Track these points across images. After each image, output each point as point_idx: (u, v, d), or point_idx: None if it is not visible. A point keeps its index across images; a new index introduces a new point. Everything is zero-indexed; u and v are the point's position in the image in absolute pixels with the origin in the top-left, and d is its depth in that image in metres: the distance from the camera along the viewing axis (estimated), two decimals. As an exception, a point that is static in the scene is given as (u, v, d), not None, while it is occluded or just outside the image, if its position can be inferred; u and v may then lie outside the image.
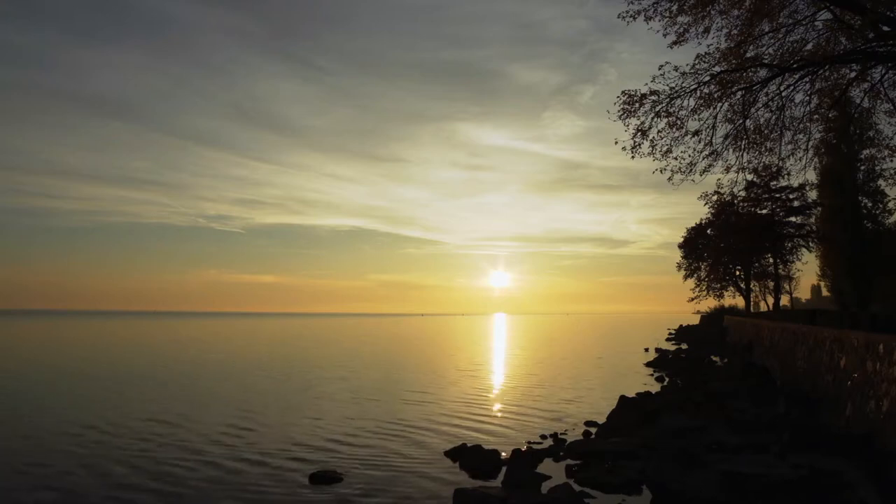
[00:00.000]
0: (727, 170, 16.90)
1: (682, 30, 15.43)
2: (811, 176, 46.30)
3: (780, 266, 56.83)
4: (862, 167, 40.96)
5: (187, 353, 51.76)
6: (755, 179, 51.64)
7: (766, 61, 15.27)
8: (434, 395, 26.32)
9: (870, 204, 41.20)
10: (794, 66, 15.05)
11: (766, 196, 54.39)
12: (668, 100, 15.48)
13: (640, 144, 15.91)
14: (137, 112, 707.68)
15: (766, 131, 16.47)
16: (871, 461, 12.36)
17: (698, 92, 15.44)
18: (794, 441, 13.81)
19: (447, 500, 11.25)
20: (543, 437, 17.10)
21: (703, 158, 16.32)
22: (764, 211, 55.27)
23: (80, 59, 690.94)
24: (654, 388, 27.30)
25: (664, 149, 15.98)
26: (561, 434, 17.30)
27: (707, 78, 15.35)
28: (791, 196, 53.27)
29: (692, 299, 69.50)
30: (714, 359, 41.27)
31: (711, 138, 16.11)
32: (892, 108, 16.35)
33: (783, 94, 15.81)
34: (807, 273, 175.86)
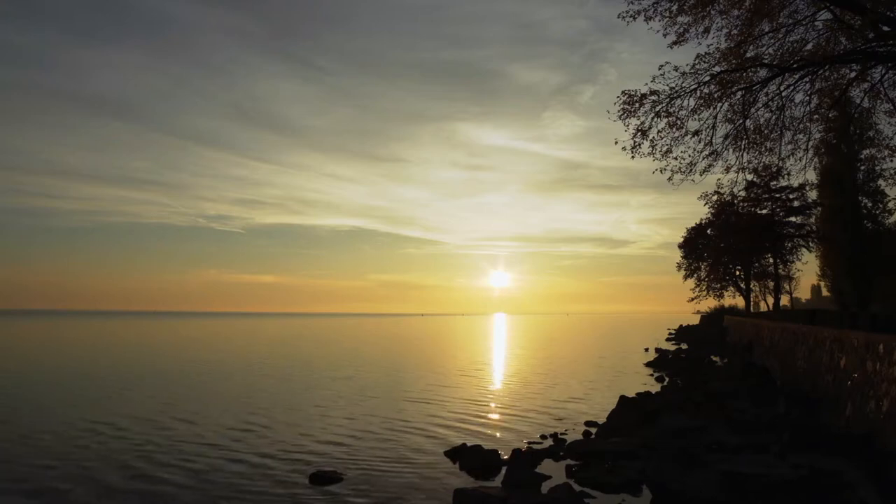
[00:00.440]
0: (727, 170, 16.92)
1: (682, 30, 15.44)
2: (811, 176, 46.41)
3: (780, 266, 56.85)
4: (862, 167, 40.98)
5: (187, 354, 51.76)
6: (755, 179, 51.70)
7: (766, 61, 15.27)
8: (434, 395, 26.31)
9: (870, 204, 41.22)
10: (794, 66, 15.05)
11: (766, 196, 54.41)
12: (668, 100, 15.48)
13: (640, 144, 15.93)
14: (137, 112, 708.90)
15: (766, 131, 16.48)
16: (871, 461, 12.36)
17: (698, 92, 15.45)
18: (794, 441, 13.81)
19: (447, 500, 11.25)
20: (543, 437, 17.09)
21: (703, 158, 16.33)
22: (764, 211, 55.29)
23: (80, 59, 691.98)
24: (654, 388, 27.29)
25: (664, 149, 15.99)
26: (561, 434, 17.29)
27: (707, 78, 15.35)
28: (791, 196, 53.31)
29: (692, 299, 69.63)
30: (714, 359, 41.26)
31: (711, 138, 16.13)
32: (892, 108, 16.35)
33: (783, 94, 15.82)
34: (807, 273, 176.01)
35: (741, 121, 16.11)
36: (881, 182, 40.50)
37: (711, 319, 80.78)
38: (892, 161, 43.26)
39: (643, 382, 30.72)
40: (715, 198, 55.61)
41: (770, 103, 16.03)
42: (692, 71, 15.33)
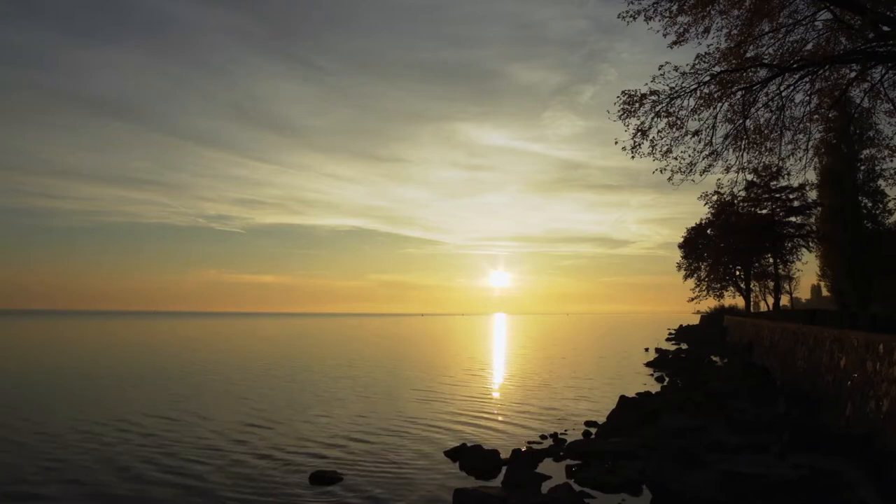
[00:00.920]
0: (727, 170, 16.92)
1: (682, 30, 15.44)
2: (811, 176, 46.39)
3: (780, 266, 56.85)
4: (862, 167, 40.98)
5: (187, 354, 51.77)
6: (755, 179, 51.69)
7: (766, 61, 15.27)
8: (434, 395, 26.31)
9: (870, 204, 41.21)
10: (794, 66, 15.05)
11: (766, 196, 54.41)
12: (668, 100, 15.48)
13: (640, 144, 15.93)
14: (137, 112, 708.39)
15: (766, 131, 16.48)
16: (871, 461, 12.36)
17: (698, 92, 15.44)
18: (794, 441, 13.81)
19: (447, 500, 11.25)
20: (543, 437, 17.09)
21: (703, 158, 16.33)
22: (764, 211, 55.29)
23: (80, 59, 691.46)
24: (654, 388, 27.30)
25: (664, 149, 15.99)
26: (561, 434, 17.30)
27: (707, 78, 15.35)
28: (791, 196, 53.31)
29: (692, 299, 69.61)
30: (714, 359, 41.27)
31: (711, 138, 16.13)
32: (892, 108, 16.35)
33: (783, 94, 15.81)
34: (807, 273, 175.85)
35: (741, 121, 16.11)
36: (881, 182, 40.55)
37: (711, 319, 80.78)
38: (892, 161, 43.32)
39: (643, 382, 30.72)
40: (715, 198, 55.69)
41: (770, 103, 16.04)
42: (692, 71, 15.34)
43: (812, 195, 51.09)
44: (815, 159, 19.23)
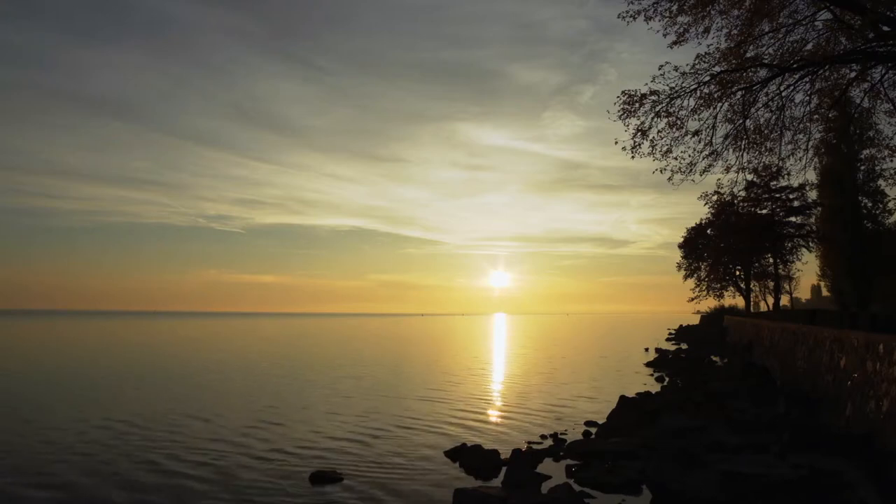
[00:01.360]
0: (727, 170, 16.91)
1: (682, 30, 15.42)
2: (811, 176, 46.36)
3: (780, 266, 56.84)
4: (862, 167, 40.97)
5: (187, 354, 51.77)
6: (755, 179, 51.68)
7: (766, 61, 15.26)
8: (434, 395, 26.31)
9: (870, 204, 41.20)
10: (794, 66, 15.04)
11: (766, 196, 54.40)
12: (668, 100, 15.47)
13: (640, 144, 15.91)
14: (137, 112, 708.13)
15: (766, 131, 16.47)
16: (871, 461, 12.36)
17: (698, 92, 15.43)
18: (794, 441, 13.81)
19: (447, 500, 11.25)
20: (543, 437, 17.10)
21: (703, 158, 16.32)
22: (764, 211, 55.27)
23: (80, 59, 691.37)
24: (654, 388, 27.30)
25: (664, 149, 15.98)
26: (561, 434, 17.30)
27: (707, 78, 15.34)
28: (791, 196, 53.30)
29: (692, 299, 69.61)
30: (714, 359, 41.27)
31: (711, 138, 16.12)
32: (892, 108, 16.34)
33: (783, 94, 15.80)
34: (807, 273, 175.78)
35: (741, 121, 16.10)
36: (881, 182, 40.53)
37: (711, 319, 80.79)
38: (892, 161, 43.31)
39: (643, 382, 30.72)
40: (715, 198, 55.67)
41: (770, 103, 16.03)
42: (692, 71, 15.33)
43: (812, 195, 51.13)
44: (815, 159, 19.24)
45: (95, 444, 16.27)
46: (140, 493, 11.93)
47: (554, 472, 13.03)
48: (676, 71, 15.34)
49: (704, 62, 15.32)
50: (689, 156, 16.23)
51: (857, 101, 16.82)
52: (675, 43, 15.63)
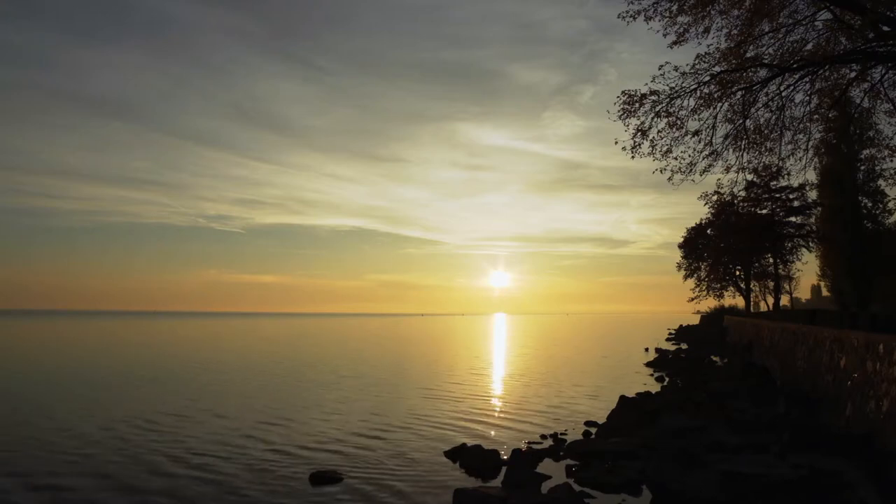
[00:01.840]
0: (727, 170, 16.91)
1: (682, 30, 15.43)
2: (811, 176, 46.38)
3: (780, 266, 56.82)
4: (862, 167, 40.95)
5: (188, 354, 51.76)
6: (755, 179, 51.67)
7: (766, 61, 15.26)
8: (434, 395, 26.31)
9: (870, 204, 41.19)
10: (794, 66, 15.04)
11: (766, 196, 54.38)
12: (668, 100, 15.47)
13: (640, 144, 15.92)
14: (137, 112, 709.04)
15: (766, 131, 16.47)
16: (871, 461, 12.35)
17: (698, 92, 15.43)
18: (794, 441, 13.80)
19: (447, 500, 11.25)
20: (543, 437, 17.09)
21: (703, 158, 16.32)
22: (764, 211, 55.25)
23: (80, 59, 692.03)
24: (654, 388, 27.29)
25: (664, 149, 15.98)
26: (561, 434, 17.29)
27: (707, 78, 15.34)
28: (791, 196, 53.27)
29: (692, 299, 69.58)
30: (714, 359, 41.26)
31: (711, 138, 16.12)
32: (892, 108, 16.34)
33: (783, 94, 15.81)
34: (807, 273, 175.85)
35: (741, 121, 16.10)
36: (881, 182, 40.51)
37: (711, 319, 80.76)
38: (892, 161, 43.29)
39: (643, 382, 30.71)
40: (715, 198, 55.65)
41: (770, 103, 16.03)
42: (692, 71, 15.33)
43: (812, 195, 51.10)
44: (815, 159, 19.23)
45: (95, 444, 16.26)
46: (139, 493, 11.92)
47: (554, 472, 13.03)
48: (676, 71, 15.36)
49: (704, 62, 15.33)
50: (689, 156, 16.25)
51: (857, 101, 16.83)
52: (675, 43, 15.63)
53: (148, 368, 37.66)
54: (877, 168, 40.44)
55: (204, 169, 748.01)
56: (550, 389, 28.10)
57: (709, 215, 63.06)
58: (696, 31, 15.38)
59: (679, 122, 15.70)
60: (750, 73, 15.48)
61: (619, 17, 15.56)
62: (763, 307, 64.63)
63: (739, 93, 15.63)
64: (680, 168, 16.32)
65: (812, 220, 52.50)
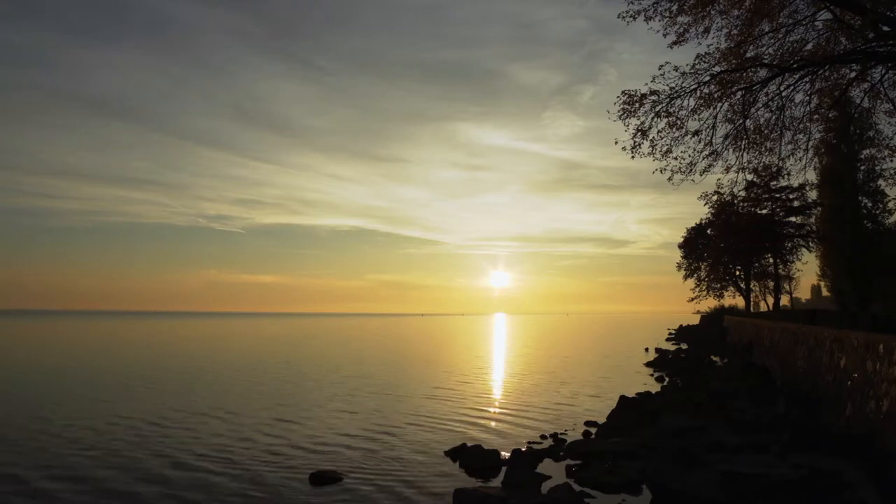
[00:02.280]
0: (727, 170, 16.90)
1: (682, 30, 15.42)
2: (811, 176, 46.34)
3: (780, 266, 56.79)
4: (862, 167, 40.92)
5: (188, 354, 51.75)
6: (755, 179, 51.64)
7: (766, 61, 15.26)
8: (434, 395, 26.31)
9: (870, 204, 41.16)
10: (794, 66, 15.03)
11: (766, 196, 54.35)
12: (668, 100, 15.46)
13: (640, 144, 15.91)
14: (137, 112, 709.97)
15: (766, 131, 16.46)
16: (871, 461, 12.35)
17: (698, 92, 15.42)
18: (794, 441, 13.80)
19: (447, 500, 11.25)
20: (543, 437, 17.09)
21: (703, 158, 16.31)
22: (764, 211, 55.22)
23: (80, 59, 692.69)
24: (654, 388, 27.29)
25: (664, 149, 15.97)
26: (561, 434, 17.29)
27: (707, 78, 15.33)
28: (791, 196, 53.24)
29: (692, 299, 69.59)
30: (714, 359, 41.25)
31: (711, 138, 16.11)
32: (892, 108, 16.33)
33: (783, 94, 15.80)
34: (807, 273, 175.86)
35: (741, 121, 16.09)
36: (881, 182, 40.47)
37: (711, 319, 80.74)
38: (892, 161, 43.26)
39: (643, 382, 30.71)
40: (715, 198, 55.55)
41: (770, 103, 16.02)
42: (692, 71, 15.32)
43: (812, 195, 51.05)
44: (815, 159, 19.21)
45: (94, 444, 16.26)
46: (140, 493, 11.92)
47: (554, 472, 13.03)
48: (676, 71, 15.35)
49: (704, 62, 15.32)
50: (689, 156, 16.24)
51: (857, 101, 16.82)
52: (675, 43, 15.63)
53: (148, 369, 37.65)
54: (877, 168, 40.44)
55: (204, 169, 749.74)
56: (550, 389, 28.10)
57: (709, 215, 63.04)
58: (696, 31, 15.38)
59: (679, 122, 15.70)
60: (750, 73, 15.48)
61: (619, 17, 15.56)
62: (763, 307, 64.66)
63: (739, 93, 15.62)
64: (680, 168, 16.32)
65: (812, 220, 52.47)
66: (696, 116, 15.74)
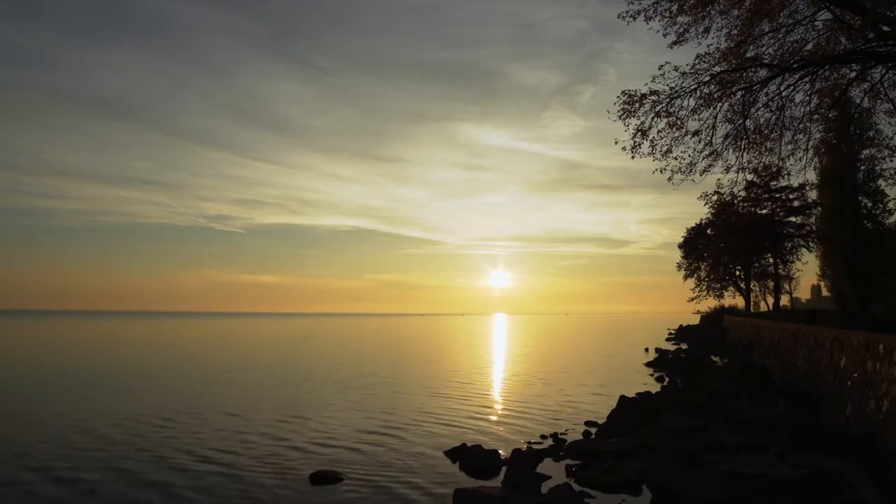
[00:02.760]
0: (727, 170, 16.92)
1: (682, 30, 15.42)
2: (811, 176, 46.36)
3: (780, 266, 56.79)
4: (862, 167, 40.94)
5: (188, 354, 51.74)
6: (755, 179, 51.65)
7: (766, 61, 15.26)
8: (434, 394, 26.31)
9: (870, 204, 41.17)
10: (794, 66, 15.04)
11: (766, 196, 54.36)
12: (668, 100, 15.47)
13: (640, 144, 15.92)
14: (137, 112, 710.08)
15: (766, 131, 16.47)
16: (871, 461, 12.35)
17: (698, 92, 15.43)
18: (794, 441, 13.80)
19: (447, 500, 11.25)
20: (543, 437, 17.09)
21: (703, 158, 16.32)
22: (764, 211, 55.23)
23: (80, 59, 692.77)
24: (654, 388, 27.28)
25: (664, 149, 15.98)
26: (561, 434, 17.29)
27: (707, 78, 15.34)
28: (791, 196, 53.26)
29: (692, 299, 69.60)
30: (714, 359, 41.24)
31: (711, 138, 16.12)
32: (892, 108, 16.34)
33: (783, 94, 15.80)
34: (807, 273, 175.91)
35: (741, 121, 16.10)
36: (881, 182, 40.49)
37: (711, 319, 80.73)
38: (892, 161, 43.28)
39: (643, 382, 30.71)
40: (715, 198, 55.57)
41: (770, 103, 16.03)
42: (692, 71, 15.32)
43: (812, 195, 51.07)
44: (815, 159, 19.22)
45: (94, 444, 16.25)
46: (140, 492, 11.92)
47: (554, 472, 13.03)
48: (676, 71, 15.36)
49: (704, 62, 15.33)
50: (689, 156, 16.26)
51: (857, 101, 16.83)
52: (675, 43, 15.63)
53: (147, 369, 37.65)
54: (877, 168, 40.46)
55: (204, 169, 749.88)
56: (550, 389, 28.09)
57: (709, 215, 63.04)
58: (696, 31, 15.39)
59: (679, 122, 15.71)
60: (750, 73, 15.48)
61: (619, 17, 15.57)
62: (763, 307, 64.66)
63: (739, 93, 15.63)
64: (680, 168, 16.33)
65: (812, 220, 52.48)
66: (696, 116, 15.77)
